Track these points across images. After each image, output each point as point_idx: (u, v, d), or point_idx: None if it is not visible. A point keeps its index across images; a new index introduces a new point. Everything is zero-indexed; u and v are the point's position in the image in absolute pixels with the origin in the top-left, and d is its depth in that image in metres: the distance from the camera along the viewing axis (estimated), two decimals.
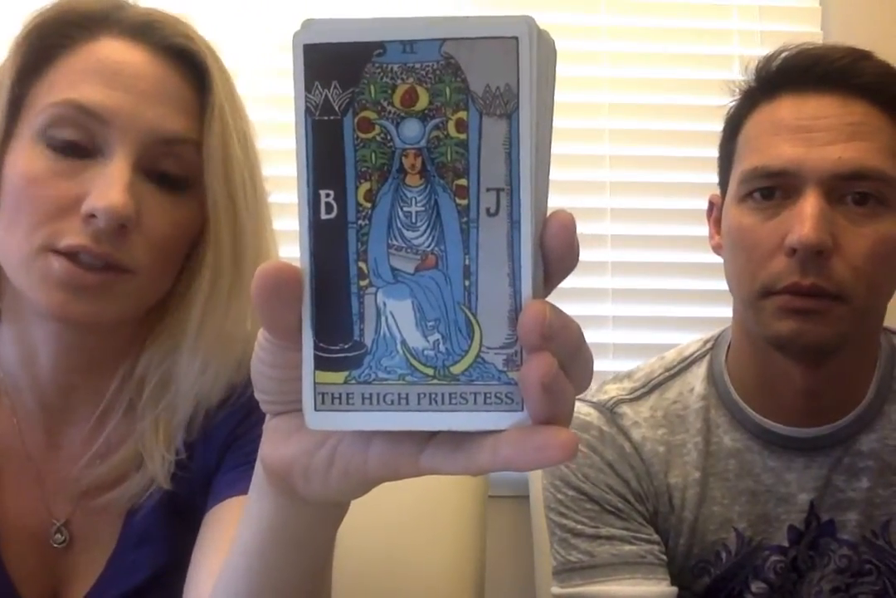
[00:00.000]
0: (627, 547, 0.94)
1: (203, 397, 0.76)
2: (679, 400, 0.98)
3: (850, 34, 1.53)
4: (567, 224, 0.34)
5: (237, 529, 0.49)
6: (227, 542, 0.52)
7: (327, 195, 0.35)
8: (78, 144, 0.69)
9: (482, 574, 1.16)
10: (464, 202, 0.34)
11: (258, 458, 0.43)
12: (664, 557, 0.95)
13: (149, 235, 0.70)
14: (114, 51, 0.72)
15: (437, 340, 0.35)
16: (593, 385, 1.02)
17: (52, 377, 0.76)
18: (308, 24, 0.35)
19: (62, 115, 0.69)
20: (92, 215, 0.67)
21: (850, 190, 0.85)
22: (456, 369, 0.35)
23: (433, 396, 0.35)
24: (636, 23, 1.58)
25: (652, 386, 1.00)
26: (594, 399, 1.00)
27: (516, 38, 0.33)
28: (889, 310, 0.94)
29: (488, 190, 0.34)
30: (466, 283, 0.34)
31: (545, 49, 0.34)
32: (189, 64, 0.73)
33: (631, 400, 0.99)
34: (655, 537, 0.96)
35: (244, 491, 0.48)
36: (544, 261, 0.35)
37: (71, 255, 0.68)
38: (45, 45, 0.72)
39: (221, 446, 0.77)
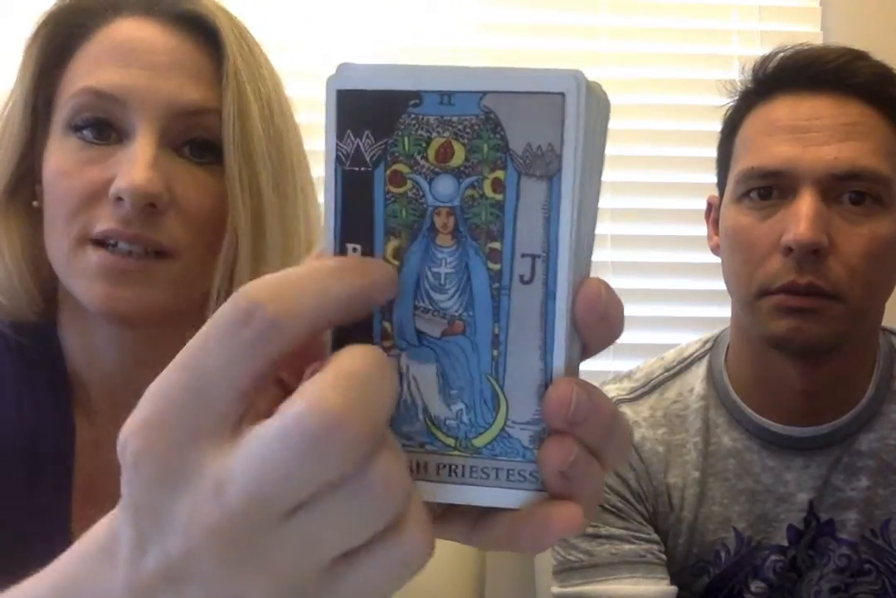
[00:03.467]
0: (627, 546, 0.94)
1: None
2: (679, 400, 0.99)
3: (850, 34, 1.52)
4: (596, 295, 0.32)
5: None
6: None
7: (354, 249, 0.33)
8: (102, 131, 0.68)
9: (482, 574, 1.16)
10: (496, 267, 0.32)
11: None
12: (664, 556, 0.95)
13: (185, 211, 0.68)
14: (126, 29, 0.70)
15: (461, 409, 0.33)
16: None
17: (120, 373, 0.75)
18: (343, 69, 0.33)
19: (82, 103, 0.68)
20: (119, 198, 0.66)
21: (846, 190, 0.86)
22: (479, 442, 0.33)
23: (453, 467, 0.33)
24: (636, 23, 1.57)
25: (652, 386, 1.00)
26: None
27: (562, 95, 0.31)
28: (888, 310, 0.94)
29: (523, 256, 0.32)
30: (495, 352, 0.32)
31: (595, 105, 0.32)
32: (204, 29, 0.71)
33: (631, 400, 1.00)
34: (655, 536, 0.96)
35: None
36: (577, 332, 0.32)
37: (106, 243, 0.66)
38: (62, 37, 0.71)
39: None
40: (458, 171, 0.32)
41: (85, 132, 0.68)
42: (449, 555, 1.14)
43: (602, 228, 1.56)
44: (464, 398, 0.33)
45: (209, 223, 0.69)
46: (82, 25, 0.71)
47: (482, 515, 0.34)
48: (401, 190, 0.32)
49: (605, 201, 1.56)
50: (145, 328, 0.72)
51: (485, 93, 0.31)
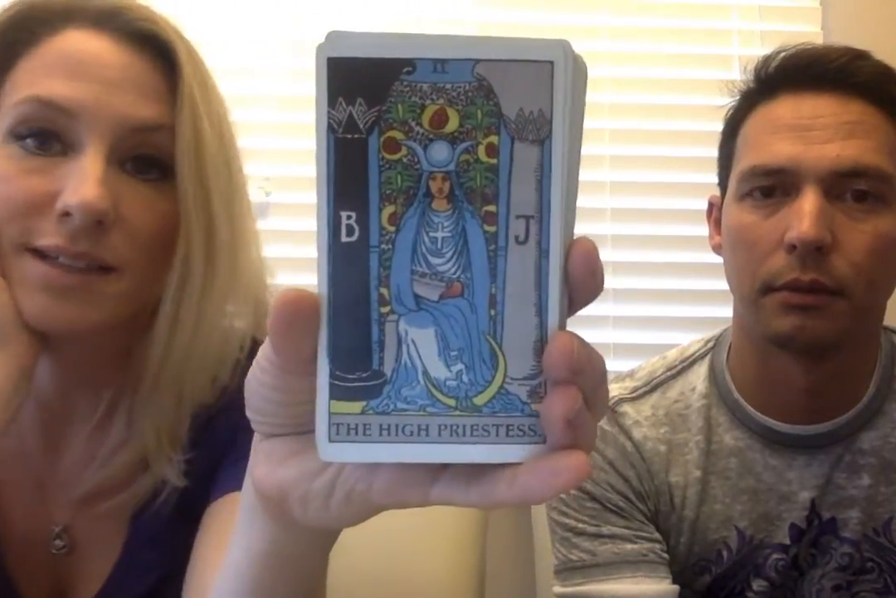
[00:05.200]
0: (629, 546, 0.94)
1: (193, 396, 0.74)
2: (681, 399, 0.99)
3: (851, 34, 1.53)
4: (589, 252, 0.33)
5: (228, 549, 0.47)
6: (228, 538, 0.51)
7: (348, 217, 0.33)
8: (46, 141, 0.67)
9: (482, 574, 1.16)
10: (492, 229, 0.33)
11: (250, 481, 0.41)
12: (665, 555, 0.95)
13: (131, 229, 0.67)
14: (77, 41, 0.69)
15: (461, 370, 0.34)
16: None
17: (50, 382, 0.74)
18: (333, 37, 0.33)
19: (28, 112, 0.67)
20: (66, 213, 0.65)
21: (848, 187, 0.86)
22: (479, 401, 0.34)
23: (454, 427, 0.34)
24: (636, 23, 1.58)
25: (654, 385, 1.00)
26: None
27: (552, 63, 0.32)
28: (889, 309, 0.94)
29: (518, 217, 0.33)
30: (492, 312, 0.33)
31: (578, 74, 0.33)
32: (157, 48, 0.70)
33: (633, 399, 1.00)
34: (657, 535, 0.96)
35: None
36: (568, 288, 0.34)
37: (48, 257, 0.66)
38: (9, 43, 0.70)
39: (226, 441, 0.75)
40: (452, 137, 0.33)
41: (28, 141, 0.67)
42: (450, 553, 1.14)
43: (602, 228, 1.57)
44: (463, 359, 0.34)
45: (155, 240, 0.69)
46: (31, 32, 0.70)
47: (478, 472, 0.34)
48: (395, 156, 0.33)
49: (605, 201, 1.56)
50: (86, 339, 0.72)
51: (478, 60, 0.33)
